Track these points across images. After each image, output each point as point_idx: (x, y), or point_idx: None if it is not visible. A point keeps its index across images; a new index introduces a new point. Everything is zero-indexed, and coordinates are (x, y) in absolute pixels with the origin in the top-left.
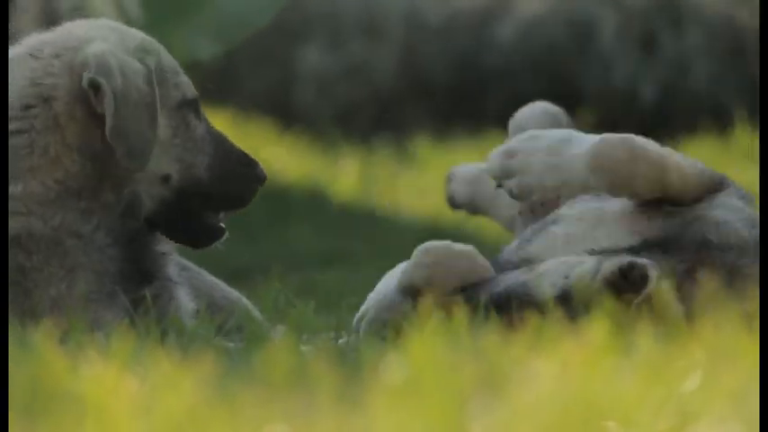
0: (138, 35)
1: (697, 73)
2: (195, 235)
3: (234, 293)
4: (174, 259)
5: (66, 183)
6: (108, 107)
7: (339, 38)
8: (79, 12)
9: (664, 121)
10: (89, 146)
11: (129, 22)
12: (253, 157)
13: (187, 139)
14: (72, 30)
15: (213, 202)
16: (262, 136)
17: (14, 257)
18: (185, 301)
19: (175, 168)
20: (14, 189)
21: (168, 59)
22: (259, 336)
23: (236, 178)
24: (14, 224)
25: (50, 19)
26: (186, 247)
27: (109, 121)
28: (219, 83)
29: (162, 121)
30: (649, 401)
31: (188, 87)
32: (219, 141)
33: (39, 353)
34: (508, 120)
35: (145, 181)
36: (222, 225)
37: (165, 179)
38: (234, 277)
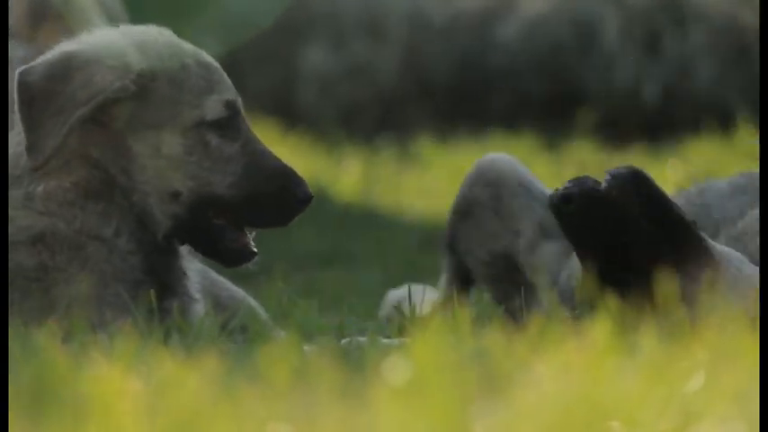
0: (159, 45)
1: (700, 73)
2: (220, 254)
3: (239, 292)
4: (198, 269)
5: (80, 185)
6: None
7: (342, 38)
8: (68, 6)
9: (667, 121)
10: (86, 152)
11: (112, 19)
12: (299, 176)
13: (205, 158)
14: (96, 34)
15: (242, 221)
16: (264, 136)
17: (38, 255)
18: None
19: (188, 186)
20: (36, 189)
21: (194, 80)
22: (263, 335)
23: (269, 198)
24: (39, 223)
25: (40, 14)
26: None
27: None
28: None
29: (173, 138)
30: (652, 402)
31: (212, 109)
32: (254, 161)
33: (42, 353)
34: (511, 119)
35: (154, 194)
36: (253, 249)
37: (175, 195)
38: (237, 277)
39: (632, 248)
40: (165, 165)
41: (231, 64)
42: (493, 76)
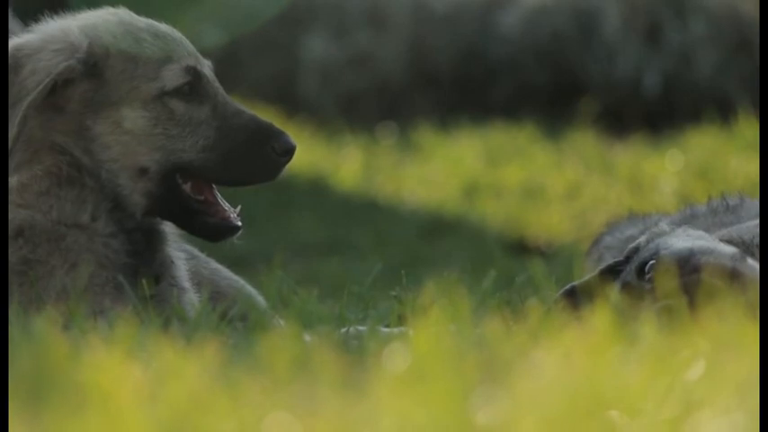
0: (110, 24)
1: (701, 63)
2: (200, 230)
3: (239, 281)
4: (191, 255)
5: (51, 173)
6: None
7: (344, 27)
8: None
9: (667, 112)
10: (51, 139)
11: None
12: (277, 128)
13: (172, 126)
14: (46, 24)
15: (223, 179)
16: None
17: (19, 249)
18: (191, 306)
19: (155, 158)
20: (11, 182)
21: (151, 52)
22: (262, 324)
23: (247, 155)
24: (17, 216)
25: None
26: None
27: None
28: (224, 71)
29: (135, 112)
30: (653, 391)
31: (171, 78)
32: (227, 121)
33: (42, 340)
34: (513, 109)
35: (121, 174)
36: (236, 223)
37: (143, 171)
38: (237, 265)
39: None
40: (128, 140)
41: (232, 52)
42: (494, 66)
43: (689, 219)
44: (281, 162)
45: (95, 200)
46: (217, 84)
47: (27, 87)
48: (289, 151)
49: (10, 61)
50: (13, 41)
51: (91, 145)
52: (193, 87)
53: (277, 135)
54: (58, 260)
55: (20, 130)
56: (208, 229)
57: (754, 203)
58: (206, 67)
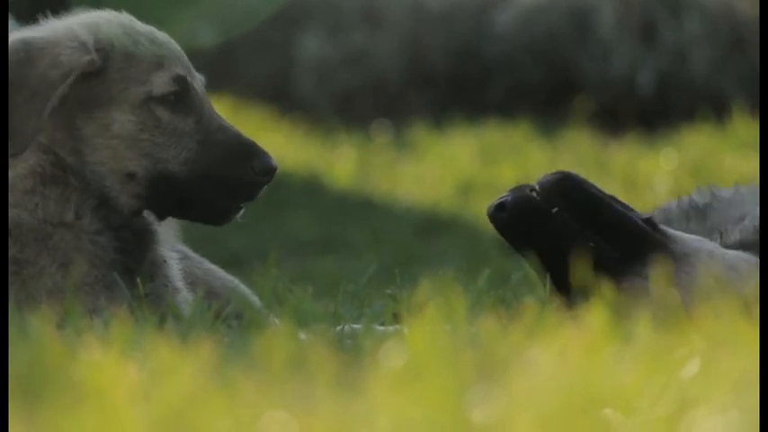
0: (112, 25)
1: (696, 62)
2: (201, 217)
3: (233, 281)
4: (184, 255)
5: (35, 171)
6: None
7: (339, 25)
8: None
9: (662, 110)
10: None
11: None
12: (259, 148)
13: (158, 134)
14: (46, 23)
15: (205, 195)
16: (260, 123)
17: (8, 249)
18: (186, 305)
19: (142, 164)
20: None
21: (145, 56)
22: (257, 323)
23: (226, 173)
24: None
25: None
26: (184, 232)
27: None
28: (218, 69)
29: (123, 116)
30: (649, 389)
31: (160, 84)
32: (210, 136)
33: (37, 338)
34: (508, 108)
35: (109, 177)
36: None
37: (130, 176)
38: (231, 263)
39: (570, 253)
40: (116, 144)
41: (228, 51)
42: (489, 64)
43: (692, 214)
44: (260, 182)
45: (79, 198)
46: (205, 98)
47: (50, 80)
48: (268, 171)
49: (21, 54)
50: (18, 36)
51: (79, 146)
52: (180, 97)
53: (258, 154)
54: (47, 260)
55: (44, 121)
56: (208, 214)
57: (749, 190)
58: (197, 80)
